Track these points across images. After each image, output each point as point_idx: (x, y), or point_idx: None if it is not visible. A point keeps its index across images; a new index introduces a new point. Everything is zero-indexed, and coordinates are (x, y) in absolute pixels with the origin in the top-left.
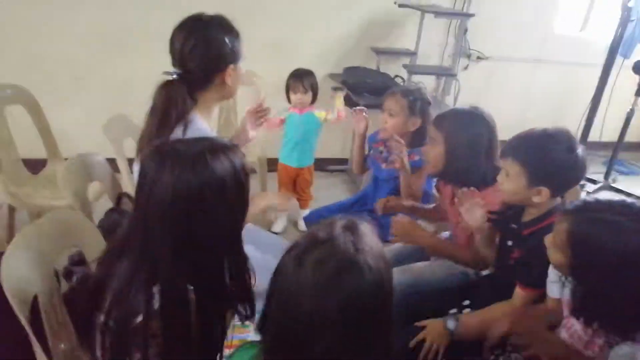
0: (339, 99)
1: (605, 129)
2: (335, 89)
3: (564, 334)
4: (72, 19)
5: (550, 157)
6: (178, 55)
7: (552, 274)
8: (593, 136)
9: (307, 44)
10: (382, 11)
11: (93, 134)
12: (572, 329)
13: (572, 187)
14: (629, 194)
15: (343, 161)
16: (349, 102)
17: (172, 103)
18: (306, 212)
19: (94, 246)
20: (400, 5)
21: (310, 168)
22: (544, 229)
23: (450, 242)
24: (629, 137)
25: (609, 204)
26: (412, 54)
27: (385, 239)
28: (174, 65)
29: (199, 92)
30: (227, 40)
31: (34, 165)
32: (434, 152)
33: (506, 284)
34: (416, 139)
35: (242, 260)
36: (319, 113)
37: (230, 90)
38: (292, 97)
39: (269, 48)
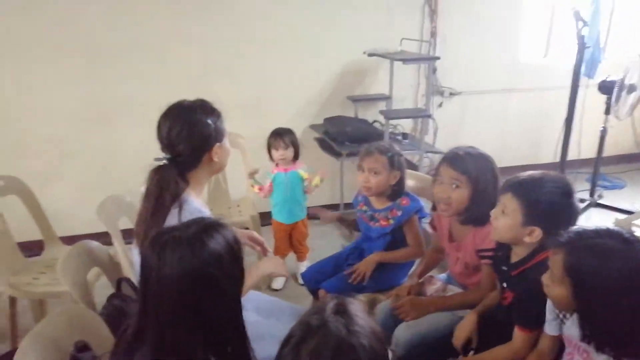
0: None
1: (583, 146)
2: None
3: None
4: (57, 96)
5: (549, 198)
6: (166, 141)
7: (548, 312)
8: (572, 155)
9: (286, 98)
10: (354, 61)
11: (86, 210)
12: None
13: (562, 229)
14: (616, 209)
15: (334, 207)
16: (332, 152)
17: (164, 186)
18: (304, 264)
19: (99, 336)
20: (370, 55)
21: (304, 221)
22: (531, 268)
23: (457, 293)
24: (607, 152)
25: (597, 232)
26: (387, 98)
27: (394, 283)
28: (163, 150)
29: (190, 172)
30: (209, 121)
31: (30, 247)
32: (460, 194)
33: (505, 325)
34: (395, 191)
35: (243, 329)
36: (303, 173)
37: (220, 166)
38: (274, 154)
39: (249, 107)
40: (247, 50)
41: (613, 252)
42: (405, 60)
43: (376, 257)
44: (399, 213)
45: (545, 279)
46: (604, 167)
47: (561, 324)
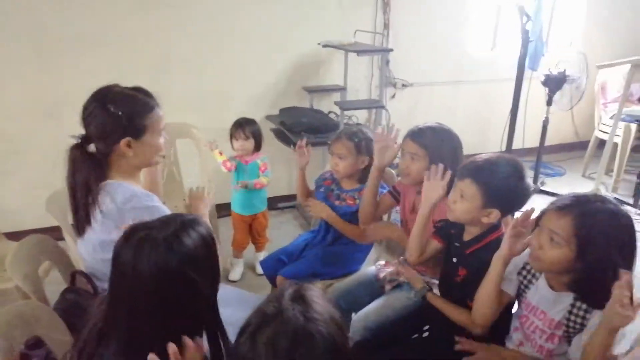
0: (216, 154)
1: (527, 136)
2: (211, 143)
3: (519, 335)
4: (3, 91)
5: (506, 181)
6: (82, 119)
7: (510, 273)
8: (517, 144)
9: (242, 90)
10: (309, 52)
11: (35, 206)
12: (532, 325)
13: (516, 211)
14: (558, 195)
15: (291, 197)
16: (288, 142)
17: (76, 167)
18: (262, 254)
19: (54, 331)
20: (324, 46)
21: (265, 213)
22: (484, 247)
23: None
24: (549, 141)
25: (594, 197)
26: (342, 89)
27: (349, 270)
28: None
29: (108, 158)
30: (121, 113)
31: None
32: (417, 166)
33: (460, 301)
34: (366, 175)
35: (220, 323)
36: (260, 162)
37: (140, 161)
38: (235, 144)
39: (205, 98)
40: (205, 43)
41: (620, 213)
42: (359, 52)
43: (328, 211)
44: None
45: (538, 242)
46: (546, 156)
47: (524, 289)
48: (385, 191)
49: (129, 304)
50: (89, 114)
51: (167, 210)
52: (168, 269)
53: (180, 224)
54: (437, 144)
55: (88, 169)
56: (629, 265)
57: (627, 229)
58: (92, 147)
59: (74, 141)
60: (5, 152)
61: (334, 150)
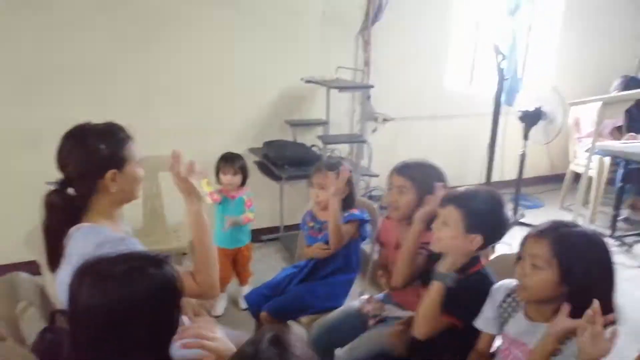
0: (204, 183)
1: (505, 169)
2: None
3: None
4: None
5: (487, 207)
6: (58, 162)
7: (490, 310)
8: (495, 177)
9: (225, 123)
10: (292, 87)
11: (12, 238)
12: (514, 358)
13: (498, 239)
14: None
15: (274, 229)
16: (272, 175)
17: (53, 212)
18: (246, 288)
19: None
20: (307, 82)
21: (249, 246)
22: (465, 279)
23: None
24: (527, 174)
25: (570, 222)
26: (324, 123)
27: (333, 305)
28: (60, 173)
29: (90, 199)
30: (102, 146)
31: None
32: (405, 199)
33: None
34: (345, 204)
35: None
36: (245, 198)
37: (124, 195)
38: (222, 178)
39: (188, 131)
40: (187, 76)
41: (595, 235)
42: (340, 88)
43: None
44: (345, 215)
45: (522, 269)
46: (525, 188)
47: (503, 322)
48: (358, 215)
49: (76, 339)
50: (66, 154)
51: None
52: (110, 305)
53: (138, 262)
54: (423, 176)
55: (66, 214)
56: (611, 288)
57: (604, 249)
58: (70, 191)
59: (51, 187)
60: None
61: (314, 182)
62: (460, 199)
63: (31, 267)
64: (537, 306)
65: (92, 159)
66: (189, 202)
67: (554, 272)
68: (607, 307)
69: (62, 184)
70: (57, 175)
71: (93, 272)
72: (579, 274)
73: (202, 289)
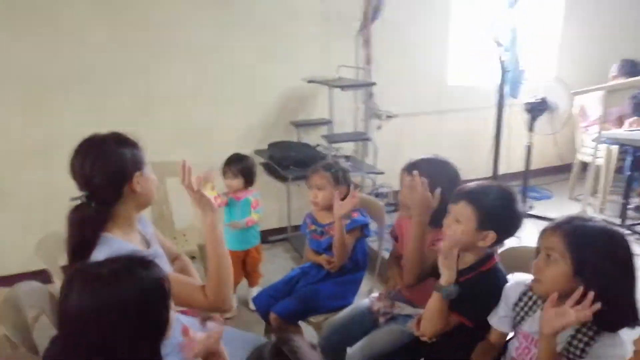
0: (208, 188)
1: (512, 161)
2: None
3: None
4: None
5: (499, 203)
6: (80, 178)
7: (504, 310)
8: (503, 169)
9: (230, 125)
10: (294, 88)
11: (23, 248)
12: (531, 354)
13: (512, 235)
14: (546, 219)
15: (282, 230)
16: (278, 176)
17: (84, 225)
18: (256, 290)
19: None
20: (309, 82)
21: (258, 247)
22: (476, 277)
23: None
24: (535, 165)
25: (586, 216)
26: (328, 122)
27: (342, 304)
28: (80, 189)
29: (113, 208)
30: (124, 151)
31: None
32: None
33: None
34: None
35: None
36: (252, 199)
37: (146, 198)
38: (225, 181)
39: (193, 135)
40: (190, 80)
41: (612, 229)
42: (343, 87)
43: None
44: (347, 221)
45: (537, 263)
46: (533, 180)
47: (519, 321)
48: (360, 220)
49: (64, 343)
50: (89, 167)
51: (165, 266)
52: (94, 307)
53: (123, 265)
54: (432, 174)
55: (92, 227)
56: (631, 283)
57: (621, 245)
58: (93, 204)
59: (74, 203)
60: None
61: (312, 183)
62: (472, 195)
63: (42, 277)
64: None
65: (119, 165)
66: (203, 215)
67: (567, 264)
68: (628, 306)
69: (88, 198)
70: (65, 184)
71: (82, 275)
72: (591, 267)
73: (214, 303)
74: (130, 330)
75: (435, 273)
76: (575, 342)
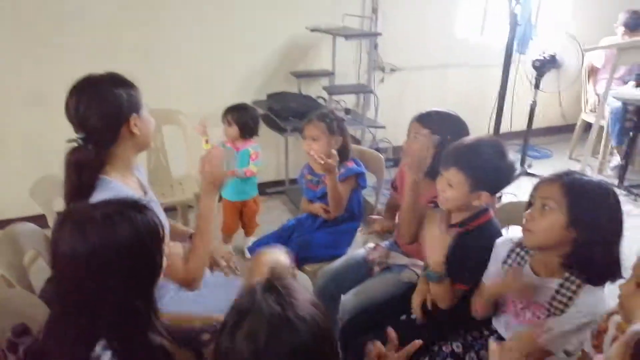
0: (203, 142)
1: (514, 120)
2: (200, 125)
3: (507, 317)
4: None
5: (490, 163)
6: (75, 119)
7: (494, 265)
8: (504, 128)
9: (229, 75)
10: (296, 36)
11: (18, 193)
12: (516, 304)
13: (504, 187)
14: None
15: (280, 183)
16: (276, 128)
17: (81, 168)
18: (252, 239)
19: (41, 319)
20: (312, 30)
21: (256, 199)
22: (471, 231)
23: None
24: (537, 125)
25: (581, 173)
26: (330, 74)
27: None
28: (76, 131)
29: (110, 149)
30: (120, 91)
31: None
32: (417, 147)
33: None
34: (341, 156)
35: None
36: (252, 150)
37: (143, 140)
38: (223, 129)
39: (191, 84)
40: (190, 27)
41: (607, 184)
42: (347, 36)
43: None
44: (342, 170)
45: (530, 214)
46: (534, 139)
47: None
48: (354, 169)
49: (58, 287)
50: (84, 108)
51: (158, 212)
52: (85, 251)
53: (116, 207)
54: (441, 126)
55: (90, 170)
56: (618, 238)
57: (614, 198)
58: (90, 147)
59: (70, 145)
60: None
61: (307, 134)
62: (462, 160)
63: (38, 221)
64: (543, 258)
65: (115, 106)
66: (205, 195)
67: (563, 214)
68: (613, 260)
69: (84, 140)
70: (59, 130)
71: (73, 217)
72: (587, 217)
73: (187, 278)
74: (123, 273)
75: None
76: (558, 297)
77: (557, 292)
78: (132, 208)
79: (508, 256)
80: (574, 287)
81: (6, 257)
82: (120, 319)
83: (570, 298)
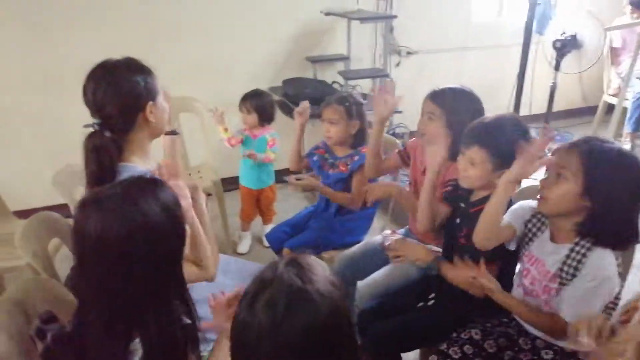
0: (221, 130)
1: (534, 102)
2: (216, 111)
3: (520, 291)
4: (5, 66)
5: (512, 139)
6: (92, 105)
7: (520, 215)
8: (523, 111)
9: (244, 61)
10: (311, 21)
11: (41, 182)
12: (530, 277)
13: None
14: None
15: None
16: (292, 114)
17: (100, 153)
18: (269, 227)
19: (66, 306)
20: (327, 14)
21: (273, 187)
22: None
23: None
24: (557, 107)
25: (604, 139)
26: (346, 58)
27: (354, 239)
28: (93, 116)
29: (127, 135)
30: (138, 79)
31: None
32: (434, 125)
33: None
34: (357, 140)
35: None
36: (269, 137)
37: (158, 127)
38: (241, 117)
39: (206, 71)
40: (204, 13)
41: (627, 153)
42: (362, 19)
43: (313, 182)
44: (357, 158)
45: (546, 180)
46: (554, 122)
47: (528, 242)
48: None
49: (83, 272)
50: (102, 94)
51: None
52: (117, 234)
53: (136, 186)
54: (454, 104)
55: (109, 155)
56: (635, 211)
57: (633, 168)
58: (107, 133)
59: (88, 130)
60: (5, 128)
61: (325, 117)
62: (484, 138)
63: (61, 210)
64: (559, 225)
65: (133, 92)
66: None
67: (577, 183)
68: (629, 226)
69: (101, 125)
70: (78, 116)
71: (93, 199)
72: (602, 187)
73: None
74: (152, 248)
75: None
76: (568, 262)
77: (568, 256)
78: (151, 183)
79: (529, 220)
80: (583, 251)
81: (31, 245)
82: (152, 301)
83: (579, 261)
